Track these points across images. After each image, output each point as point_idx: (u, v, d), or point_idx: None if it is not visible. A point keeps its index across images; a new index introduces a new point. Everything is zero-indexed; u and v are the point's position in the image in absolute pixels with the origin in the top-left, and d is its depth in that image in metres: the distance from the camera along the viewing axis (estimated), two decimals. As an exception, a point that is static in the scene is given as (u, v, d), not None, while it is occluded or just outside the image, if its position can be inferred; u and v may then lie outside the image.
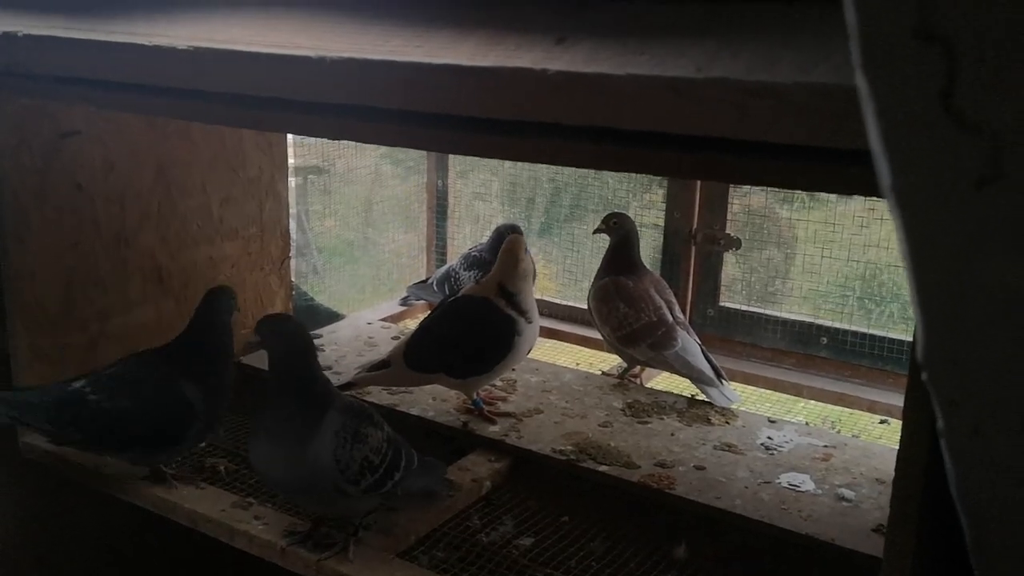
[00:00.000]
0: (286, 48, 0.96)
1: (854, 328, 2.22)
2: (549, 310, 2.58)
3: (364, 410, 1.51)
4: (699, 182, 2.33)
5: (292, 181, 2.39)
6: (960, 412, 0.50)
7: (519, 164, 2.75)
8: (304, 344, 1.49)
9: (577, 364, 2.45)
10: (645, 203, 2.50)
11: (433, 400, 1.96)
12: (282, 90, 0.99)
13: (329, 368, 2.10)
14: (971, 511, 0.56)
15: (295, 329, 1.51)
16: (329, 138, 2.37)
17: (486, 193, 2.87)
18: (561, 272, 2.74)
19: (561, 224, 2.76)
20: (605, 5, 0.85)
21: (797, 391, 2.22)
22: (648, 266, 2.18)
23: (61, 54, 1.18)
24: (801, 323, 2.28)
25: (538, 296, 2.58)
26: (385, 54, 0.90)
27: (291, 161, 2.38)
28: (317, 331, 2.31)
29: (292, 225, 2.35)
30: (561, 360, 2.47)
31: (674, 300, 2.10)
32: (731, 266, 2.37)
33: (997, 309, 0.42)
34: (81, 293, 1.86)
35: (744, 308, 2.35)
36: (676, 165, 0.95)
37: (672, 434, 1.84)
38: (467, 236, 2.88)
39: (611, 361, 2.29)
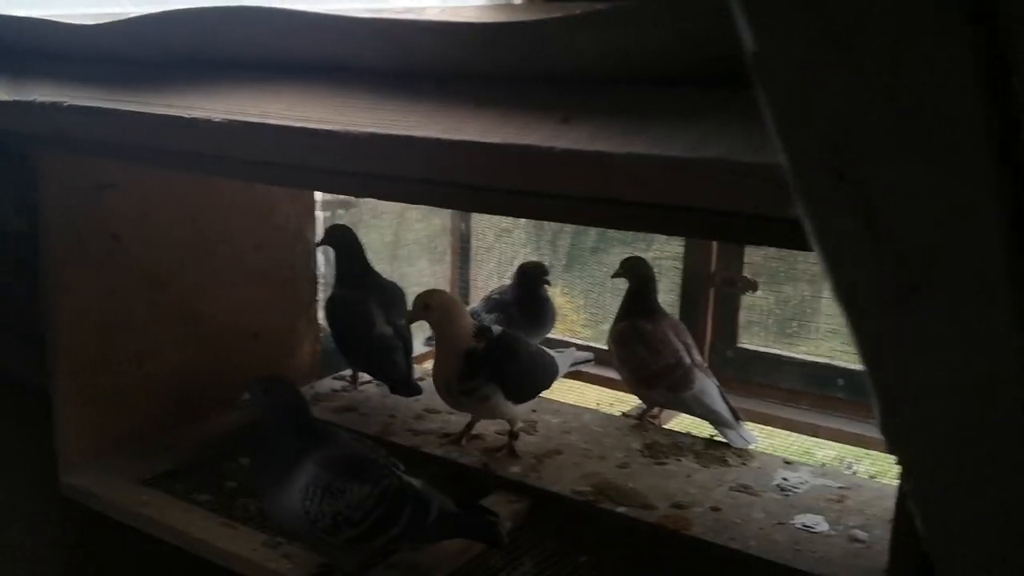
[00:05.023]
0: (314, 122, 1.04)
1: (871, 369, 2.24)
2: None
3: (355, 463, 1.52)
4: (716, 226, 2.36)
5: (320, 215, 2.45)
6: (919, 478, 0.55)
7: (541, 206, 2.79)
8: (291, 403, 1.56)
9: (598, 404, 2.49)
10: (665, 247, 2.54)
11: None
12: (311, 159, 1.07)
13: (355, 410, 2.16)
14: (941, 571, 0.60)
15: (283, 390, 1.58)
16: (354, 196, 2.43)
17: (510, 231, 2.93)
18: (584, 311, 2.79)
19: (583, 265, 2.81)
20: (607, 86, 0.91)
21: (814, 431, 2.25)
22: (667, 308, 2.22)
23: (103, 123, 1.26)
24: (818, 364, 2.31)
25: (561, 336, 2.63)
26: (405, 130, 0.96)
27: (319, 196, 2.42)
28: (343, 372, 2.37)
29: (320, 259, 2.42)
30: (583, 400, 2.51)
31: (692, 343, 2.13)
32: (749, 308, 2.40)
33: (933, 400, 0.47)
34: (118, 338, 1.94)
35: (762, 349, 2.38)
36: (680, 225, 1.01)
37: (688, 475, 1.87)
38: (490, 274, 2.93)
39: (632, 402, 2.32)
